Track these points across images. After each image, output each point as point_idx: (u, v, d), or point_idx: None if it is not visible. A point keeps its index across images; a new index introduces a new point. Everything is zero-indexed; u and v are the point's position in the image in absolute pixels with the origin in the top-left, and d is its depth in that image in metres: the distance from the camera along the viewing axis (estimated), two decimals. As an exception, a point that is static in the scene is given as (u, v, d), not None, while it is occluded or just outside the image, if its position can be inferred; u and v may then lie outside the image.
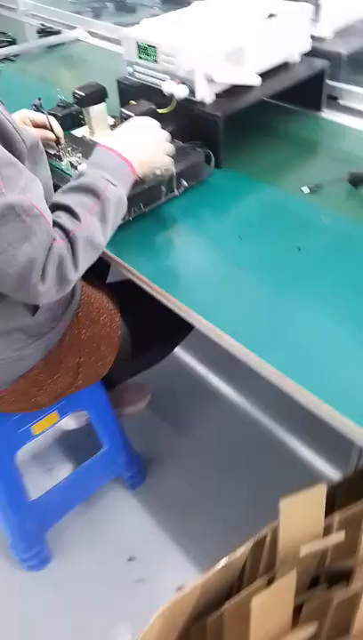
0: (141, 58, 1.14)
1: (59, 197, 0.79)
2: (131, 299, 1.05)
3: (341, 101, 1.29)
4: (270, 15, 1.12)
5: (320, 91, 1.26)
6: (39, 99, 1.14)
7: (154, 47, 1.09)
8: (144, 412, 1.55)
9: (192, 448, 1.54)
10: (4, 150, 0.72)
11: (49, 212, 0.75)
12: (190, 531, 1.35)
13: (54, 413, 1.16)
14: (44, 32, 1.96)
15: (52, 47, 1.89)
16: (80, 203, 0.77)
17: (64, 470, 1.50)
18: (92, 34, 1.92)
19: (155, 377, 1.42)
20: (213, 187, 1.09)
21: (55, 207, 0.78)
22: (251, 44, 1.09)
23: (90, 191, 0.78)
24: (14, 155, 0.73)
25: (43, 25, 2.05)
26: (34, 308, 0.91)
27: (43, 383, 1.02)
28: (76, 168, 1.04)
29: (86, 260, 0.78)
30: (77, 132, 1.18)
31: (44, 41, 1.90)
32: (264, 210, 1.02)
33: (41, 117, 1.08)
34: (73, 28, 1.98)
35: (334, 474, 1.45)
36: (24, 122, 1.06)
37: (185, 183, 1.06)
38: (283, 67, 1.21)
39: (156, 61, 1.10)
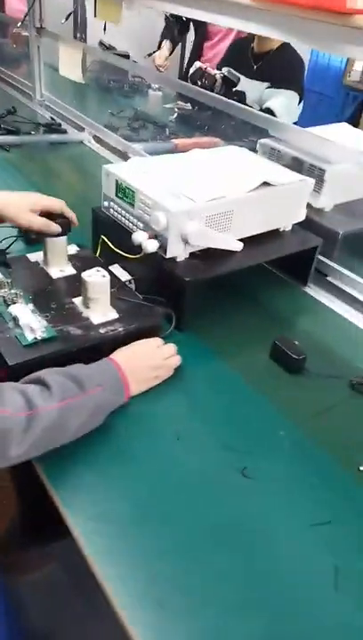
0: (118, 196, 1.03)
1: (42, 372, 0.72)
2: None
3: (329, 279, 1.18)
4: (265, 183, 1.02)
5: (310, 266, 1.15)
6: None
7: (133, 192, 0.98)
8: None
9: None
10: None
11: None
12: None
13: None
14: (50, 127, 1.90)
15: (54, 144, 1.83)
16: (62, 386, 0.70)
17: None
18: (96, 139, 1.87)
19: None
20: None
21: (32, 379, 0.71)
22: (239, 212, 0.99)
23: (77, 381, 0.72)
24: None
25: (52, 119, 2.01)
26: None
27: None
28: (8, 306, 0.88)
29: (39, 447, 0.67)
30: (32, 256, 1.04)
31: (44, 137, 1.83)
32: (218, 396, 0.86)
33: (57, 204, 0.96)
34: (81, 128, 1.93)
35: None
36: (32, 209, 0.93)
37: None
38: (272, 233, 1.10)
39: (133, 205, 0.99)
